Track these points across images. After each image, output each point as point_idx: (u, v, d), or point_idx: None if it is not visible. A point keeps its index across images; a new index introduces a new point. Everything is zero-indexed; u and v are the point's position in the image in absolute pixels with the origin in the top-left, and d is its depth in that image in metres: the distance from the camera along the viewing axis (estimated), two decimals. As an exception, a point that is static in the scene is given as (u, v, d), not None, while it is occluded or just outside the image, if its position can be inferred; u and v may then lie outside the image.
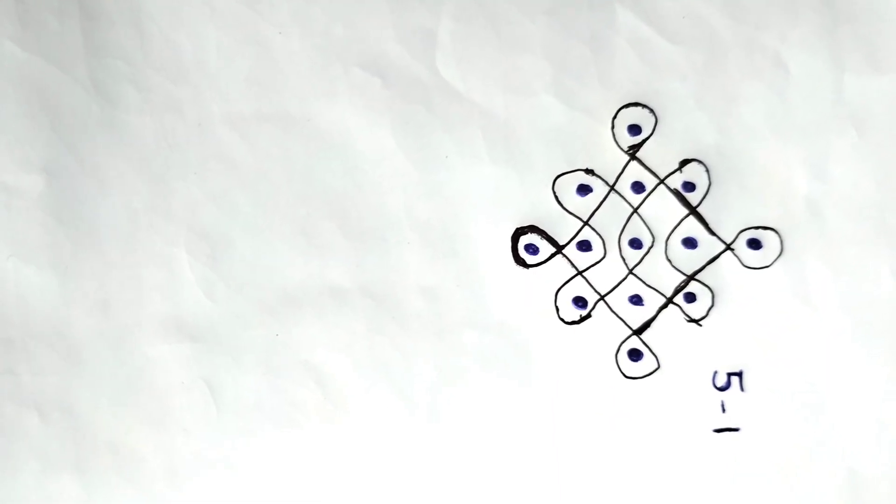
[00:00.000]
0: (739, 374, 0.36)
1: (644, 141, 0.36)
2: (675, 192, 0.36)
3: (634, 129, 0.36)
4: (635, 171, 0.36)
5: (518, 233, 0.36)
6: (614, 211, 0.36)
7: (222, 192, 0.36)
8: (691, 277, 0.36)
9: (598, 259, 0.36)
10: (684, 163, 0.36)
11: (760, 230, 0.36)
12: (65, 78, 0.36)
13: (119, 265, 0.36)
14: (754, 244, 0.36)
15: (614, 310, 0.36)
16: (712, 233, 0.36)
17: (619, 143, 0.36)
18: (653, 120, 0.36)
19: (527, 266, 0.36)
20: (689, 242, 0.36)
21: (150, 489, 0.36)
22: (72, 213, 0.36)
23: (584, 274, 0.36)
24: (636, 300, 0.36)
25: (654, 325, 0.36)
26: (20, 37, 0.36)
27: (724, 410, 0.36)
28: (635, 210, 0.36)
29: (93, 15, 0.36)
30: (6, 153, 0.36)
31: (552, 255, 0.36)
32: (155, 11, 0.36)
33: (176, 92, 0.36)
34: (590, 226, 0.36)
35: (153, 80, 0.36)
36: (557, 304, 0.36)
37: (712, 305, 0.36)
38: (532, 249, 0.36)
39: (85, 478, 0.36)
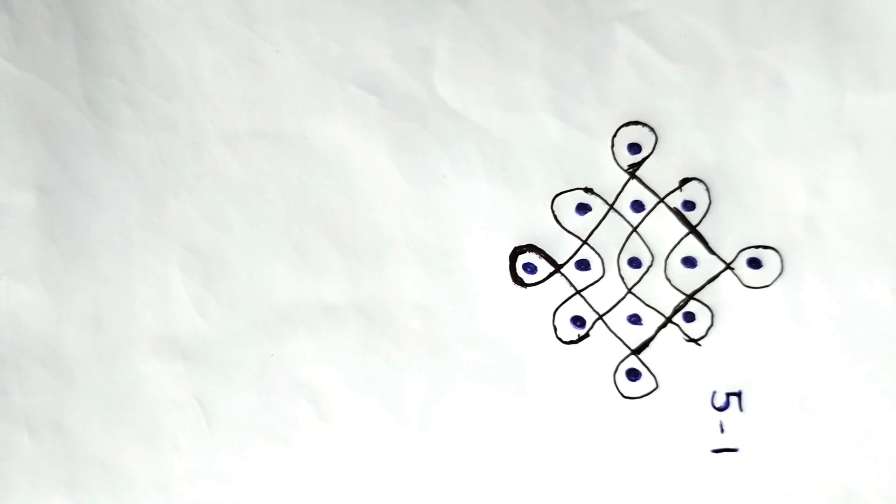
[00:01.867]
0: (738, 395, 0.36)
1: (644, 159, 0.36)
2: (675, 211, 0.36)
3: (634, 148, 0.36)
4: (635, 190, 0.36)
5: (516, 251, 0.36)
6: (613, 230, 0.36)
7: (216, 209, 0.36)
8: (690, 297, 0.36)
9: (596, 278, 0.36)
10: (684, 181, 0.36)
11: (761, 249, 0.35)
12: (59, 95, 0.36)
13: (112, 282, 0.36)
14: (754, 263, 0.35)
15: (613, 329, 0.36)
16: (712, 252, 0.36)
17: (619, 162, 0.36)
18: (653, 138, 0.35)
19: (525, 285, 0.36)
20: (689, 261, 0.36)
21: (143, 508, 0.36)
22: (65, 230, 0.36)
23: (582, 293, 0.36)
24: (635, 319, 0.36)
25: (652, 344, 0.36)
26: (14, 54, 0.36)
27: (722, 431, 0.36)
28: (634, 229, 0.36)
29: (87, 33, 0.36)
30: (-1, 170, 0.36)
31: (550, 275, 0.36)
32: (150, 29, 0.36)
33: (170, 110, 0.36)
34: (588, 245, 0.36)
35: (148, 98, 0.36)
36: (555, 324, 0.36)
37: (711, 325, 0.36)
38: (530, 268, 0.36)
39: (76, 496, 0.36)
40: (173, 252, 0.36)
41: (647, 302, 0.36)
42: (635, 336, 0.36)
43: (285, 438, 0.36)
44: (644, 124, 0.35)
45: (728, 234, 0.36)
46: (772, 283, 0.35)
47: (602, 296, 0.36)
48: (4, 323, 0.36)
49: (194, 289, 0.36)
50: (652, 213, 0.36)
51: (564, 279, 0.36)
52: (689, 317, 0.36)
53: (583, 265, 0.36)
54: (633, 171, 0.36)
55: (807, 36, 0.35)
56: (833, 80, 0.35)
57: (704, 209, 0.36)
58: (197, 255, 0.36)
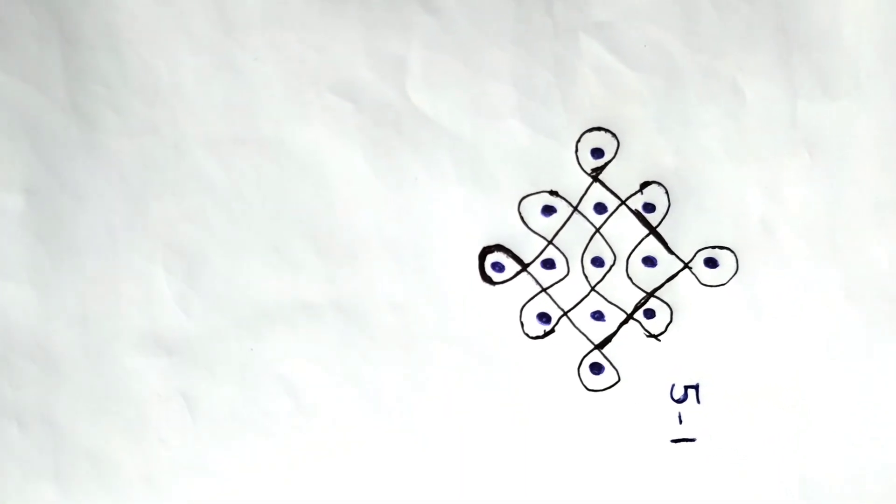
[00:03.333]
0: (696, 387, 0.36)
1: (606, 164, 0.36)
2: (636, 213, 0.36)
3: (597, 153, 0.36)
4: (598, 193, 0.36)
5: (485, 251, 0.36)
6: (577, 231, 0.36)
7: (198, 211, 0.36)
8: (651, 294, 0.36)
9: (561, 276, 0.37)
10: (645, 185, 0.36)
11: (717, 249, 0.36)
12: (45, 101, 0.36)
13: (98, 281, 0.36)
14: (711, 263, 0.36)
15: (577, 325, 0.37)
16: (671, 252, 0.36)
17: (583, 166, 0.36)
18: (615, 144, 0.36)
19: (493, 283, 0.36)
20: (649, 261, 0.36)
21: (128, 497, 0.36)
22: (52, 230, 0.36)
23: (548, 291, 0.37)
24: (598, 316, 0.37)
25: (614, 339, 0.37)
26: (1, 60, 0.36)
27: (681, 422, 0.36)
28: (597, 230, 0.37)
29: (72, 40, 0.36)
30: (-12, 173, 0.36)
31: (517, 273, 0.37)
32: (134, 37, 0.36)
33: (153, 115, 0.36)
34: (554, 245, 0.37)
35: (132, 104, 0.36)
36: (522, 320, 0.37)
37: (670, 321, 0.36)
38: (498, 267, 0.36)
39: (64, 486, 0.36)
40: (157, 252, 0.36)
41: (609, 299, 0.37)
42: (598, 332, 0.37)
43: (266, 431, 0.36)
44: (607, 130, 0.36)
45: (686, 234, 0.36)
46: (727, 281, 0.36)
47: (567, 293, 0.37)
48: (-6, 319, 0.36)
49: (177, 287, 0.36)
50: (614, 214, 0.36)
51: (531, 277, 0.37)
52: (650, 313, 0.36)
53: (548, 264, 0.37)
54: (596, 174, 0.36)
55: (762, 47, 0.36)
56: (787, 89, 0.36)
57: (664, 211, 0.36)
58: (180, 255, 0.36)
